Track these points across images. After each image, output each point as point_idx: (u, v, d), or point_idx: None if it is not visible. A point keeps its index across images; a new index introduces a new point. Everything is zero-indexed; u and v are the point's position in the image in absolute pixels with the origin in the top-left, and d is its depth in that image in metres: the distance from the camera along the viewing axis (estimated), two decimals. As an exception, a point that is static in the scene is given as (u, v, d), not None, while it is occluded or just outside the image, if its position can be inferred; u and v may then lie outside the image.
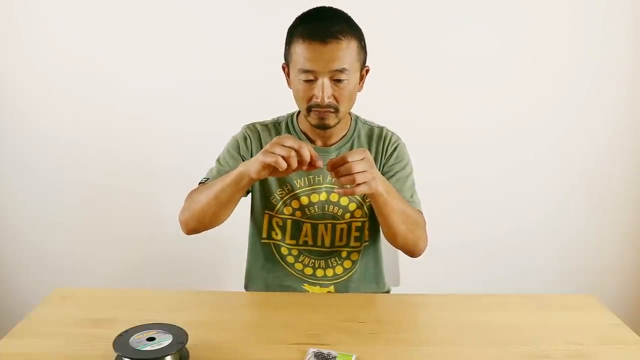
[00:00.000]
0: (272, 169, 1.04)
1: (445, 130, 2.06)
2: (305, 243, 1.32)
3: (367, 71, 1.26)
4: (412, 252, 1.26)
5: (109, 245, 2.15)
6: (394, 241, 1.23)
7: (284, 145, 1.02)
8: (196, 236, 1.29)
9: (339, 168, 1.03)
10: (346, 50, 1.15)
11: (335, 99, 1.18)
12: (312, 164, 1.03)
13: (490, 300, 1.22)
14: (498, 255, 2.15)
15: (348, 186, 1.05)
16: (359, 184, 1.03)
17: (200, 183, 1.29)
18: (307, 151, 1.02)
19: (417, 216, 1.24)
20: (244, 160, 1.26)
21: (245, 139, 1.32)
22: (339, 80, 1.16)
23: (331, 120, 1.21)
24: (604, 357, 0.98)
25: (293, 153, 1.01)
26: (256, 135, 1.32)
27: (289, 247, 1.33)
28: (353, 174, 1.02)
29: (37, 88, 2.03)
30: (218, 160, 1.32)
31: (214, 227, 1.22)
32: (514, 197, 2.12)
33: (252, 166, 1.07)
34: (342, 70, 1.15)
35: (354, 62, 1.17)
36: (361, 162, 1.03)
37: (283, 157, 1.01)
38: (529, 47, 2.00)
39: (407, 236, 1.20)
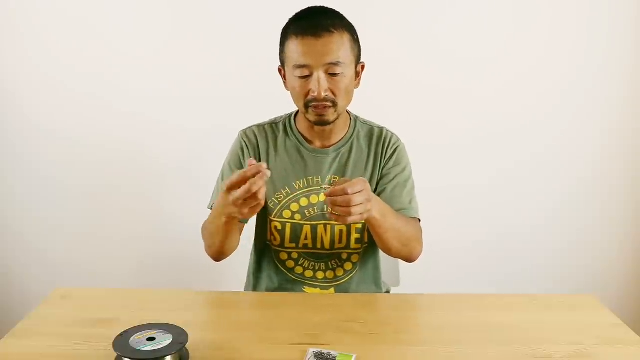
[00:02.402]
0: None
1: (445, 130, 2.06)
2: (305, 246, 1.32)
3: (363, 67, 1.27)
4: (406, 261, 1.30)
5: (109, 245, 2.15)
6: (388, 254, 1.28)
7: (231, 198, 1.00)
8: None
9: (336, 198, 1.01)
10: (339, 43, 1.16)
11: (332, 92, 1.18)
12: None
13: (490, 300, 1.22)
14: (498, 256, 2.15)
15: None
16: (352, 216, 1.02)
17: (209, 208, 1.31)
18: (243, 193, 0.98)
19: (412, 229, 1.25)
20: None
21: (243, 149, 1.32)
22: (335, 74, 1.16)
23: (330, 115, 1.21)
24: (604, 357, 0.98)
25: (241, 201, 0.99)
26: (253, 140, 1.33)
27: (289, 251, 1.33)
28: (350, 206, 1.01)
29: (37, 87, 2.03)
30: (222, 180, 1.32)
31: (234, 251, 1.28)
32: (514, 197, 2.12)
33: (224, 213, 1.08)
34: (336, 63, 1.16)
35: (347, 55, 1.18)
36: (360, 194, 1.02)
37: (241, 202, 0.99)
38: (529, 46, 2.00)
39: (401, 250, 1.24)
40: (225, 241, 1.21)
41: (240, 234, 1.30)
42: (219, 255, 1.26)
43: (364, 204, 1.03)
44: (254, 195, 0.98)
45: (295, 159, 1.31)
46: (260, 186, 0.97)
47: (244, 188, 0.97)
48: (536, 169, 2.10)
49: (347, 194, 1.00)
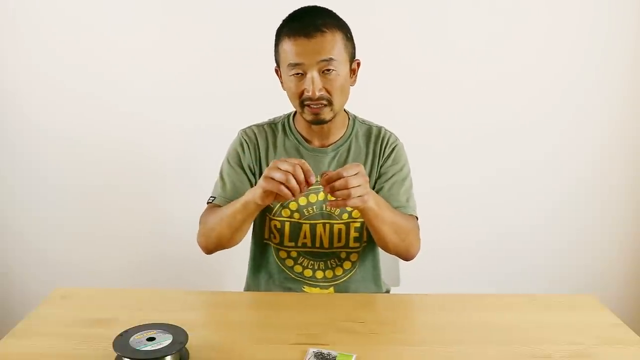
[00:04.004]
0: (275, 195, 1.07)
1: (444, 130, 2.06)
2: (304, 245, 1.32)
3: (359, 64, 1.27)
4: (404, 258, 1.29)
5: (109, 245, 2.15)
6: (385, 249, 1.27)
7: (280, 169, 1.03)
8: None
9: (333, 183, 1.03)
10: (331, 41, 1.17)
11: (327, 91, 1.18)
12: (306, 182, 1.04)
13: (490, 300, 1.22)
14: (498, 256, 2.15)
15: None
16: (352, 198, 1.04)
17: (208, 202, 1.30)
18: (300, 171, 1.03)
19: (409, 224, 1.25)
20: (245, 169, 1.30)
21: (242, 146, 1.32)
22: (328, 71, 1.17)
23: (326, 114, 1.21)
24: (604, 357, 0.98)
25: (290, 177, 1.02)
26: (253, 139, 1.33)
27: (288, 249, 1.33)
28: (349, 188, 1.03)
29: (37, 87, 2.03)
30: (221, 175, 1.32)
31: (233, 246, 1.26)
32: (514, 197, 2.12)
33: (256, 194, 1.09)
34: (329, 61, 1.16)
35: (340, 52, 1.18)
36: (356, 176, 1.04)
37: (283, 184, 1.03)
38: (529, 46, 2.00)
39: (399, 244, 1.23)
40: (237, 231, 1.20)
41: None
42: (218, 244, 1.24)
43: (363, 185, 1.05)
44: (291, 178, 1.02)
45: (294, 157, 1.30)
46: (299, 177, 1.02)
47: (294, 164, 1.02)
48: (536, 168, 2.10)
49: (342, 176, 1.03)
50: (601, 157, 2.10)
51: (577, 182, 2.12)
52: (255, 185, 1.27)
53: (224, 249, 1.26)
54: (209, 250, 1.27)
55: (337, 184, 1.03)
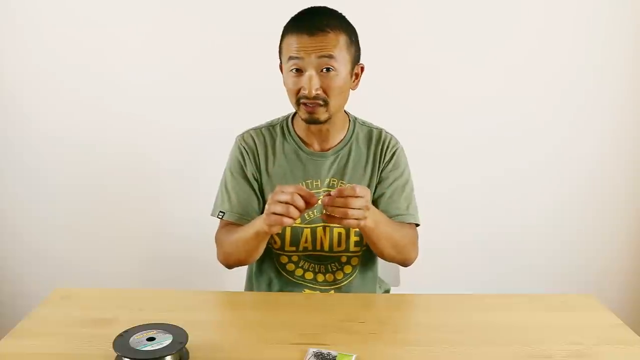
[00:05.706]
0: (280, 226, 1.08)
1: (447, 130, 2.05)
2: (305, 249, 1.31)
3: (363, 69, 1.27)
4: (401, 265, 1.32)
5: (109, 245, 2.15)
6: (382, 258, 1.29)
7: (280, 202, 1.04)
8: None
9: (335, 199, 1.04)
10: (333, 41, 1.16)
11: (324, 91, 1.17)
12: (308, 204, 1.05)
13: (490, 300, 1.22)
14: (498, 256, 2.15)
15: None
16: (347, 219, 1.04)
17: (219, 217, 1.30)
18: (300, 200, 1.04)
19: (407, 236, 1.26)
20: (249, 179, 1.29)
21: (242, 154, 1.31)
22: (327, 70, 1.16)
23: (320, 114, 1.20)
24: (604, 357, 0.98)
25: (291, 208, 1.03)
26: (252, 145, 1.31)
27: (289, 254, 1.32)
28: (348, 208, 1.03)
29: (38, 87, 2.03)
30: (226, 187, 1.31)
31: (253, 261, 1.31)
32: (514, 197, 2.12)
33: (264, 225, 1.10)
34: (329, 57, 1.15)
35: (342, 53, 1.17)
36: (359, 199, 1.04)
37: (284, 214, 1.03)
38: (528, 48, 2.00)
39: (394, 256, 1.25)
40: (253, 253, 1.22)
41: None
42: (238, 264, 1.27)
43: (362, 210, 1.05)
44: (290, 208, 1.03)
45: (294, 162, 1.30)
46: (298, 204, 1.03)
47: (291, 193, 1.03)
48: (536, 169, 2.10)
49: (344, 195, 1.03)
50: (601, 158, 2.10)
51: (577, 183, 2.12)
52: (258, 192, 1.29)
53: (244, 265, 1.30)
54: (230, 268, 1.30)
55: (338, 200, 1.03)
